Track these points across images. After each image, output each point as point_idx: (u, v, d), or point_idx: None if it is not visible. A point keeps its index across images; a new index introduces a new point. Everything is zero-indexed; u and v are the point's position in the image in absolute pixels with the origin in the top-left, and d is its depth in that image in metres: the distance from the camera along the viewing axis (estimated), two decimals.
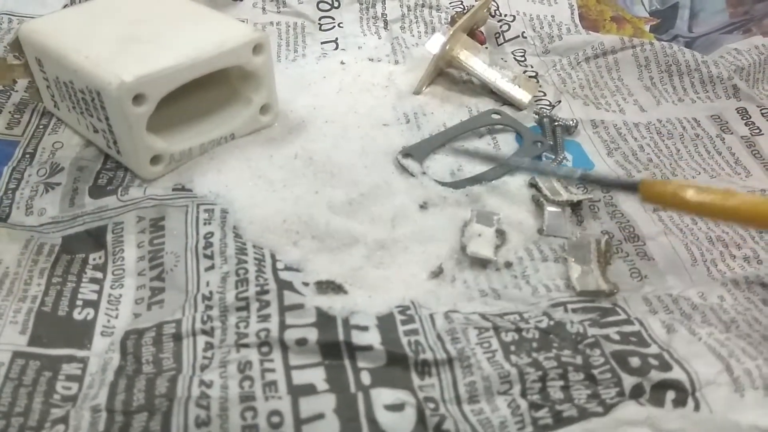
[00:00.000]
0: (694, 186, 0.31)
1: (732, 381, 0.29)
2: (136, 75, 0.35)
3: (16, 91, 0.46)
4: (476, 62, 0.50)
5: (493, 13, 0.57)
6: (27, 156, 0.41)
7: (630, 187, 0.33)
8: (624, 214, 0.40)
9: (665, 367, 0.29)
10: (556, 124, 0.46)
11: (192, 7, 0.43)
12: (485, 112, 0.47)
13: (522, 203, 0.40)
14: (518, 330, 0.31)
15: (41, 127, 0.44)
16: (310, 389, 0.28)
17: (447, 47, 0.48)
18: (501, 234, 0.37)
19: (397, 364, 0.29)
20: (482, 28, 0.55)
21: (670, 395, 0.29)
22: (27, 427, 0.27)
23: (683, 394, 0.29)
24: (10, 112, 0.44)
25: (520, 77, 0.50)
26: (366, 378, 0.29)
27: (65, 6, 0.54)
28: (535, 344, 0.30)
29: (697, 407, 0.28)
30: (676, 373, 0.29)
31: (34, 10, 0.53)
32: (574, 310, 0.33)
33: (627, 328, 0.32)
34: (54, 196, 0.38)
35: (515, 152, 0.43)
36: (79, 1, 0.53)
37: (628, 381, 0.29)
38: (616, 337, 0.31)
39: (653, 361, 0.30)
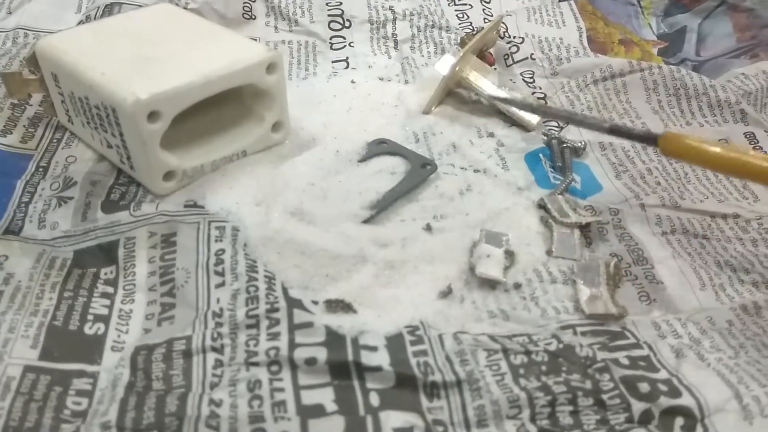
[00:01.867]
0: (712, 142, 0.35)
1: (741, 408, 0.29)
2: (151, 92, 0.35)
3: (31, 105, 0.47)
4: (485, 83, 0.50)
5: (502, 35, 0.57)
6: (40, 170, 0.42)
7: (650, 140, 0.37)
8: (633, 237, 0.40)
9: (674, 393, 0.29)
10: (565, 145, 0.47)
11: (206, 26, 0.44)
12: (373, 141, 0.45)
13: (531, 224, 0.40)
14: (527, 352, 0.31)
15: (55, 141, 0.44)
16: (319, 410, 0.28)
17: (456, 68, 0.49)
18: (510, 255, 0.37)
19: (406, 386, 0.29)
20: (491, 50, 0.56)
21: (679, 422, 0.29)
22: None
23: (692, 420, 0.29)
24: (24, 126, 0.45)
25: (529, 98, 0.50)
26: (375, 399, 0.29)
27: (81, 22, 0.54)
28: (544, 367, 0.30)
29: None
30: (686, 400, 0.29)
31: (49, 26, 0.54)
32: (583, 333, 0.33)
33: (636, 353, 0.32)
34: (66, 210, 0.38)
35: (404, 178, 0.42)
36: (95, 18, 0.54)
37: (637, 407, 0.29)
38: (626, 362, 0.31)
39: (662, 387, 0.30)
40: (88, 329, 0.32)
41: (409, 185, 0.41)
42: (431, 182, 0.43)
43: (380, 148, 0.44)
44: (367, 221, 0.39)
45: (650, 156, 0.48)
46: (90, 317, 0.33)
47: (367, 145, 0.45)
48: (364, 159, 0.44)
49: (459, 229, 0.39)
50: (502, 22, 0.58)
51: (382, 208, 0.39)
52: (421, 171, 0.42)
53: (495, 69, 0.54)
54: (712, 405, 0.29)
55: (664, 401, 0.29)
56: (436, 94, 0.49)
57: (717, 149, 0.35)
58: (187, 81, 0.37)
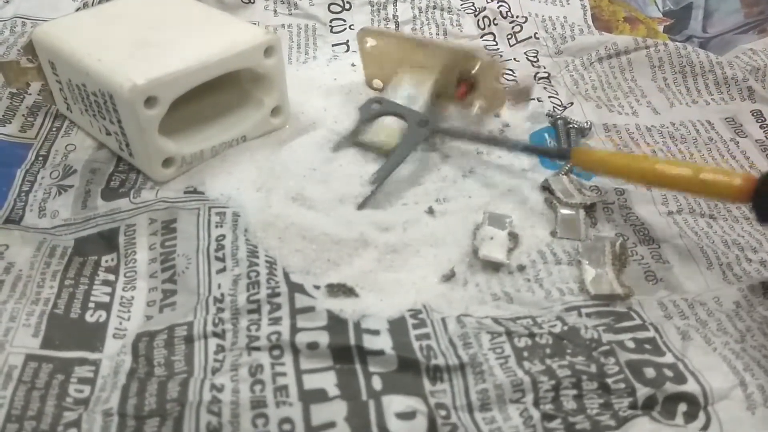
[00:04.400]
0: (617, 154, 0.41)
1: (745, 398, 0.29)
2: (148, 78, 0.35)
3: (30, 94, 0.46)
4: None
5: (504, 15, 0.56)
6: (40, 158, 0.41)
7: (563, 155, 0.41)
8: (639, 217, 0.39)
9: (680, 379, 0.29)
10: (570, 126, 0.46)
11: (203, 11, 0.43)
12: (367, 101, 0.43)
13: (535, 206, 0.40)
14: (531, 335, 0.31)
15: (54, 129, 0.44)
16: (321, 395, 0.28)
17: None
18: (513, 237, 0.37)
19: (409, 369, 0.29)
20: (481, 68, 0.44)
21: (682, 408, 0.28)
22: (40, 430, 0.27)
23: (695, 407, 0.28)
24: (23, 115, 0.45)
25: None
26: (377, 383, 0.28)
27: (78, 9, 0.54)
28: (548, 350, 0.30)
29: (708, 422, 0.28)
30: (691, 386, 0.29)
31: (46, 14, 0.54)
32: (588, 315, 0.32)
33: (642, 335, 0.31)
34: (67, 198, 0.38)
35: (404, 137, 0.41)
36: (92, 5, 0.53)
37: (642, 392, 0.28)
38: (631, 345, 0.30)
39: (668, 372, 0.29)
40: (90, 317, 0.32)
41: (408, 148, 0.40)
42: (434, 165, 0.42)
43: (373, 108, 0.43)
44: (370, 196, 0.38)
45: (655, 138, 0.47)
46: (91, 305, 0.33)
47: (359, 108, 0.43)
48: (359, 123, 0.42)
49: (462, 211, 0.39)
50: (504, 2, 0.56)
51: (383, 177, 0.39)
52: (418, 130, 0.41)
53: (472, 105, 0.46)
54: (716, 393, 0.29)
55: (670, 387, 0.29)
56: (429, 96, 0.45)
57: (616, 159, 0.38)
58: (184, 66, 0.36)
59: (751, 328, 0.32)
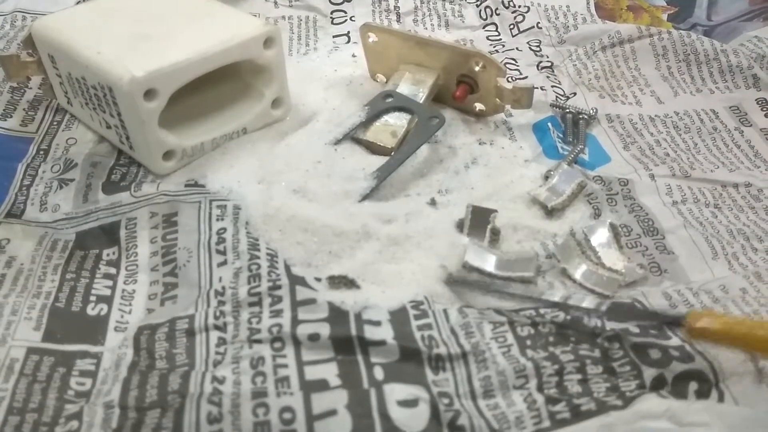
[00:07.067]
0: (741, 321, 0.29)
1: (757, 371, 0.28)
2: (147, 70, 0.35)
3: (30, 88, 0.46)
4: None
5: (507, 5, 0.56)
6: (41, 152, 0.41)
7: (675, 321, 0.29)
8: (642, 207, 0.39)
9: (687, 357, 0.29)
10: (581, 117, 0.45)
11: (203, 2, 0.43)
12: (378, 95, 0.43)
13: (532, 202, 0.39)
14: (534, 324, 0.31)
15: (55, 123, 0.44)
16: (322, 385, 0.28)
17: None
18: (496, 233, 0.36)
19: (411, 359, 0.29)
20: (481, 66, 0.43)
21: (693, 386, 0.28)
22: (41, 422, 0.27)
23: (707, 384, 0.28)
24: (24, 109, 0.45)
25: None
26: (379, 373, 0.28)
27: (77, 3, 0.54)
28: (551, 338, 0.30)
29: (721, 398, 0.28)
30: (699, 364, 0.28)
31: (46, 8, 0.54)
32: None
33: (646, 322, 0.31)
34: (68, 192, 0.38)
35: (413, 132, 0.41)
36: None
37: (649, 373, 0.28)
38: (636, 330, 0.30)
39: (674, 353, 0.29)
40: (91, 310, 0.32)
41: (417, 143, 0.40)
42: (436, 156, 0.42)
43: (385, 103, 0.43)
44: (373, 190, 0.38)
45: (658, 128, 0.47)
46: (93, 298, 0.33)
47: (370, 101, 0.43)
48: (369, 116, 0.42)
49: (464, 203, 0.38)
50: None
51: (388, 172, 0.38)
52: (428, 126, 0.41)
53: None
54: (726, 368, 0.28)
55: (677, 366, 0.28)
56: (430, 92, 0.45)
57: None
58: (183, 57, 0.36)
59: (758, 311, 0.32)
